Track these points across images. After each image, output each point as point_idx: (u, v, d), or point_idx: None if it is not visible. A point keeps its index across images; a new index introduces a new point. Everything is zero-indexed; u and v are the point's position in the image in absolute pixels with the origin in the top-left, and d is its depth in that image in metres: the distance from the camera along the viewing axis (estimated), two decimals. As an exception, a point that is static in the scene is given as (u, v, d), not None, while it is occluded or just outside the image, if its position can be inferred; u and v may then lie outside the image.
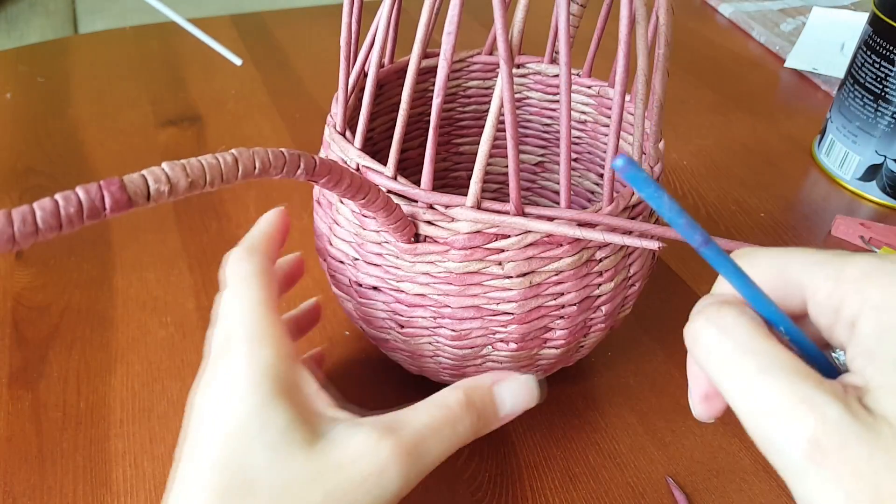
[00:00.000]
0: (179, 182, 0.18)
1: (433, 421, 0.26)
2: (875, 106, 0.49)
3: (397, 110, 0.39)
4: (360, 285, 0.31)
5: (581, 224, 0.27)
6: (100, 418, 0.35)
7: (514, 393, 0.28)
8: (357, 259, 0.30)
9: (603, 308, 0.30)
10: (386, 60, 0.36)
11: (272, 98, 0.62)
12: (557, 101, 0.37)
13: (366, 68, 0.32)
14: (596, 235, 0.27)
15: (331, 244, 0.32)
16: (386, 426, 0.25)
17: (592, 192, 0.40)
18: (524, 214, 0.27)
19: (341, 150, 0.30)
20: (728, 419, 0.36)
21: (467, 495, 0.32)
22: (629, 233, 0.28)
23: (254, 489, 0.23)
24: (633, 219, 0.29)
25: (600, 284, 0.30)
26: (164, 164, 0.18)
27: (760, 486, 0.33)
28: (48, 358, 0.38)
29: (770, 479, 0.33)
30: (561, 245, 0.27)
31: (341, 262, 0.31)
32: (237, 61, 0.50)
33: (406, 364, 0.34)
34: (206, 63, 0.68)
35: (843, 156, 0.53)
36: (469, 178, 0.43)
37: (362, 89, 0.33)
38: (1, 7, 1.30)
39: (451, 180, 0.43)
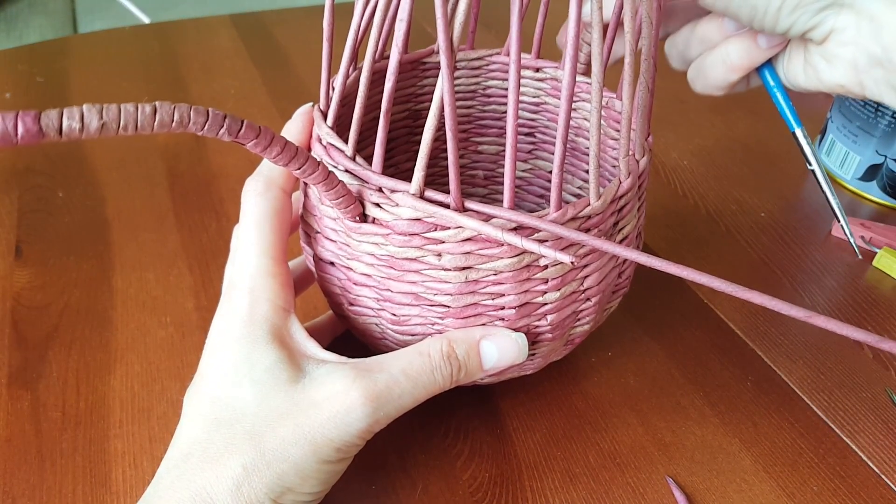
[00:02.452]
0: (92, 122, 0.19)
1: (410, 367, 0.28)
2: (875, 106, 0.49)
3: (401, 103, 0.39)
4: (321, 259, 0.31)
5: (519, 227, 0.26)
6: (99, 418, 0.35)
7: (502, 348, 0.29)
8: (318, 233, 0.31)
9: (548, 317, 0.30)
10: (377, 53, 0.36)
11: (272, 98, 0.62)
12: (574, 109, 0.37)
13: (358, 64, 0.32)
14: (514, 240, 0.26)
15: (301, 217, 0.32)
16: (364, 369, 0.27)
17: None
18: (463, 209, 0.26)
19: (317, 126, 0.30)
20: (728, 419, 0.36)
21: (467, 496, 0.32)
22: (574, 244, 0.27)
23: (240, 418, 0.26)
24: (586, 230, 0.28)
25: (545, 292, 0.29)
26: (84, 105, 0.19)
27: (760, 487, 0.33)
28: (47, 358, 0.38)
29: (770, 479, 0.33)
30: (501, 245, 0.27)
31: (307, 234, 0.32)
32: (145, 20, 0.50)
33: (369, 345, 0.34)
34: (206, 63, 0.68)
35: (844, 156, 0.53)
36: (486, 177, 0.43)
37: (353, 77, 0.33)
38: (0, 7, 1.30)
39: (467, 178, 0.43)
